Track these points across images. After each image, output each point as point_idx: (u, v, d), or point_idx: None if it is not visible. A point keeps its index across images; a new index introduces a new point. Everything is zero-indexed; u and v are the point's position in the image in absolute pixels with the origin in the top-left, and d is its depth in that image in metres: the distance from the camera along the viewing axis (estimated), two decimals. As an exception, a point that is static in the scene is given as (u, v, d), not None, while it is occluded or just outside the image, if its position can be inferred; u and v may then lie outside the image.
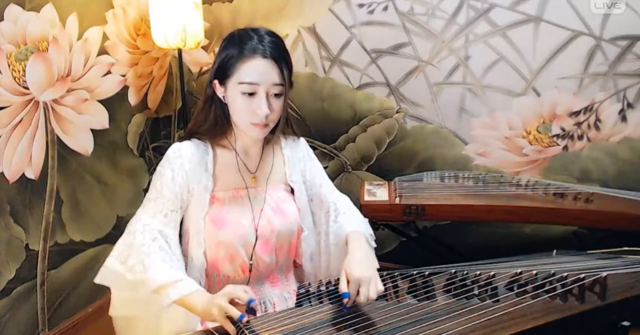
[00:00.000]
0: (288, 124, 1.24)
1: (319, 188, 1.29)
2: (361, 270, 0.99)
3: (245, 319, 0.92)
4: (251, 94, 1.08)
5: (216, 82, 1.13)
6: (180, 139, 1.19)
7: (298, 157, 1.28)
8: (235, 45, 1.09)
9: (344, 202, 1.28)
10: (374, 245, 1.18)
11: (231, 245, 1.15)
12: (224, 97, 1.13)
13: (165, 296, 1.01)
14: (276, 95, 1.09)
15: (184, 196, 1.14)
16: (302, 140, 1.32)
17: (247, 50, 1.07)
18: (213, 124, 1.16)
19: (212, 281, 1.20)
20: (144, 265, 1.04)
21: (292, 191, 1.26)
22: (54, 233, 1.86)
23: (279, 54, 1.09)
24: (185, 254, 1.19)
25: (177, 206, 1.13)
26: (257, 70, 1.07)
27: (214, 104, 1.16)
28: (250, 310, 0.94)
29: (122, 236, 1.13)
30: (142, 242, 1.08)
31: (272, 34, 1.11)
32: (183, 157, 1.13)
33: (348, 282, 0.98)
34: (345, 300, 0.97)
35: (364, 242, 1.12)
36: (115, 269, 1.09)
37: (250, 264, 1.19)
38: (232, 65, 1.08)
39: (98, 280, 1.11)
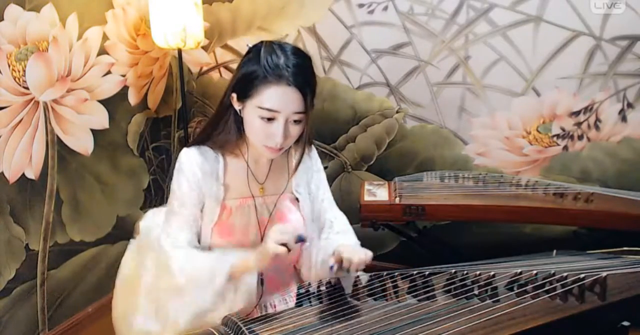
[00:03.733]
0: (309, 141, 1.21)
1: (320, 203, 1.29)
2: (347, 247, 1.10)
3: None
4: (270, 119, 1.04)
5: (234, 95, 1.09)
6: (189, 145, 1.17)
7: (306, 167, 1.26)
8: (260, 62, 1.03)
9: (340, 221, 1.29)
10: None
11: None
12: (240, 110, 1.10)
13: (219, 271, 1.05)
14: (296, 121, 1.06)
15: (202, 202, 1.15)
16: (313, 150, 1.29)
17: (272, 75, 1.01)
18: (226, 134, 1.14)
19: None
20: (187, 259, 1.08)
21: (297, 200, 1.25)
22: (54, 233, 1.86)
23: (305, 80, 1.03)
24: None
25: (198, 214, 1.15)
26: (279, 97, 1.02)
27: (229, 114, 1.13)
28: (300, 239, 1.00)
29: (156, 255, 1.16)
30: (175, 251, 1.11)
31: (299, 55, 1.05)
32: (194, 164, 1.13)
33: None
34: (335, 268, 1.06)
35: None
36: (169, 284, 1.11)
37: (262, 275, 1.17)
38: (254, 86, 1.03)
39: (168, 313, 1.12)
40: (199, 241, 1.17)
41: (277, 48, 1.04)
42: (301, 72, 1.03)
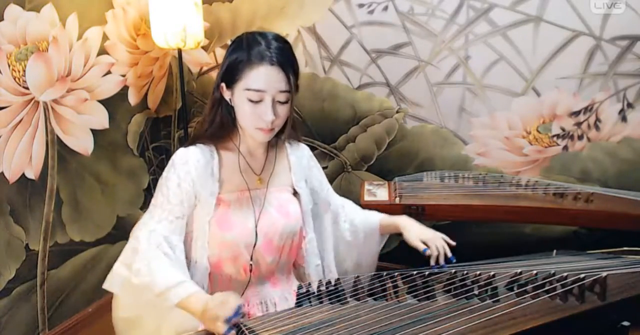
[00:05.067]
0: (294, 127, 1.24)
1: (325, 193, 1.35)
2: (428, 231, 1.29)
3: (232, 333, 0.91)
4: (257, 100, 1.08)
5: (223, 85, 1.13)
6: (186, 144, 1.19)
7: (303, 164, 1.30)
8: (243, 50, 1.09)
9: (349, 203, 1.42)
10: None
11: (235, 246, 1.16)
12: (230, 99, 1.14)
13: (167, 299, 1.02)
14: (282, 101, 1.10)
15: (190, 203, 1.15)
16: (305, 146, 1.34)
17: (255, 57, 1.07)
18: (219, 126, 1.17)
19: (214, 282, 1.20)
20: (149, 269, 1.06)
21: (295, 194, 1.27)
22: (54, 233, 1.86)
23: (286, 60, 1.09)
24: (187, 256, 1.18)
25: (182, 213, 1.14)
26: (263, 77, 1.07)
27: (220, 106, 1.16)
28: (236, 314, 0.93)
29: (129, 241, 1.15)
30: (147, 248, 1.09)
31: (279, 39, 1.11)
32: (189, 163, 1.14)
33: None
34: (428, 252, 1.22)
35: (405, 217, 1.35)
36: (121, 274, 1.11)
37: (251, 264, 1.19)
38: (240, 70, 1.08)
39: (107, 286, 1.13)
40: (188, 240, 1.17)
41: (257, 35, 1.11)
42: (282, 53, 1.09)
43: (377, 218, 1.37)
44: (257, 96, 1.07)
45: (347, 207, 1.39)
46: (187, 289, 1.02)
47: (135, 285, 1.07)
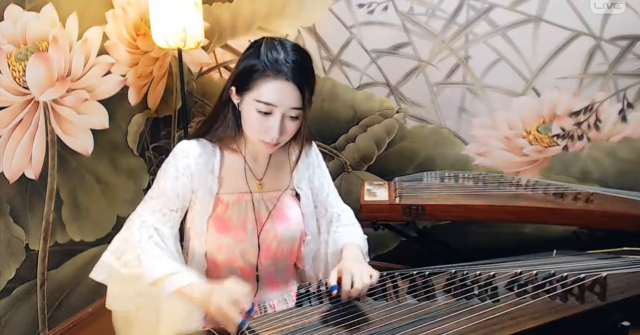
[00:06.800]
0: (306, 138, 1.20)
1: (325, 197, 1.28)
2: (352, 263, 1.03)
3: (246, 326, 0.91)
4: (266, 113, 1.04)
5: (233, 89, 1.09)
6: (189, 137, 1.16)
7: (307, 163, 1.26)
8: (260, 57, 1.03)
9: (347, 214, 1.29)
10: (368, 260, 1.19)
11: (231, 249, 1.15)
12: (238, 104, 1.10)
13: (162, 288, 1.01)
14: (292, 117, 1.05)
15: (186, 197, 1.13)
16: (313, 145, 1.28)
17: (271, 69, 1.01)
18: (224, 128, 1.14)
19: (213, 281, 1.19)
20: (139, 260, 1.04)
21: (298, 195, 1.24)
22: (54, 233, 1.86)
23: (303, 76, 1.03)
24: (186, 252, 1.19)
25: (177, 206, 1.12)
26: (277, 92, 1.02)
27: (227, 108, 1.13)
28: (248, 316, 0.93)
29: (120, 231, 1.13)
30: (139, 239, 1.08)
31: (299, 51, 1.06)
32: (189, 157, 1.12)
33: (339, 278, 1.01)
34: (334, 292, 0.99)
35: (359, 252, 1.14)
36: (110, 264, 1.09)
37: (257, 275, 1.18)
38: (253, 79, 1.03)
39: (93, 275, 1.11)
40: (183, 232, 1.16)
41: (277, 44, 1.05)
42: (300, 69, 1.03)
43: (344, 241, 1.19)
44: (267, 109, 1.03)
45: (343, 218, 1.27)
46: (184, 279, 1.00)
47: (125, 275, 1.05)
